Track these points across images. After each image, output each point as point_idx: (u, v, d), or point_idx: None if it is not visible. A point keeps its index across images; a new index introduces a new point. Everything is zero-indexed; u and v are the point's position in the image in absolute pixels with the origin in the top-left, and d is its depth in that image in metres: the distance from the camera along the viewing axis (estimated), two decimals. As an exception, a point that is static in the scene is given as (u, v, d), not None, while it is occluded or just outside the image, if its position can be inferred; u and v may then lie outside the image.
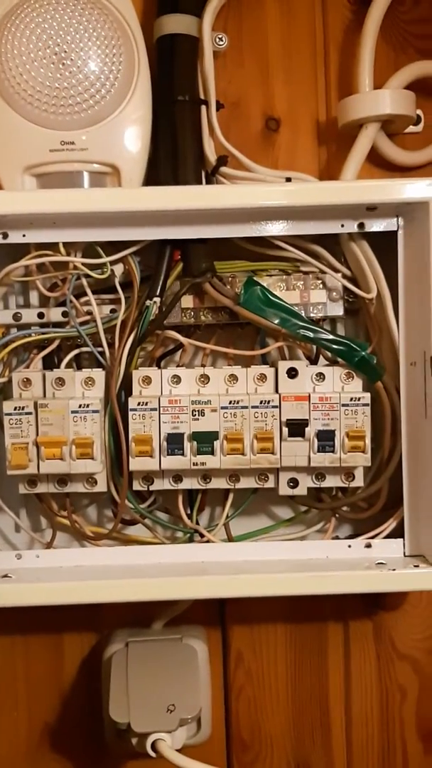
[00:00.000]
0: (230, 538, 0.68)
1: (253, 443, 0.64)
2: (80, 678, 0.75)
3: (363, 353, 0.65)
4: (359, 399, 0.64)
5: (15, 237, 0.63)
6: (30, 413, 0.64)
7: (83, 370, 0.66)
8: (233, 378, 0.66)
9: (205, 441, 0.64)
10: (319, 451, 0.64)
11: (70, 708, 0.75)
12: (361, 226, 0.64)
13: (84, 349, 0.67)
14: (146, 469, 0.65)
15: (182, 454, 0.64)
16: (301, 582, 0.62)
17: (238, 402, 0.64)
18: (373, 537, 0.66)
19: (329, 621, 0.75)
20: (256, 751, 0.76)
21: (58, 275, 0.66)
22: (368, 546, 0.66)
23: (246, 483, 0.67)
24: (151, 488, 0.66)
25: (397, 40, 0.73)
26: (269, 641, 0.75)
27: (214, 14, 0.68)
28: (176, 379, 0.66)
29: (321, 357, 0.67)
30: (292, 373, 0.65)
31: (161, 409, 0.64)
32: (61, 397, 0.65)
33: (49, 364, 0.67)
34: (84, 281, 0.65)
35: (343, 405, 0.64)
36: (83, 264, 0.64)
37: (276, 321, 0.65)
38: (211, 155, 0.67)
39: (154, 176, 0.67)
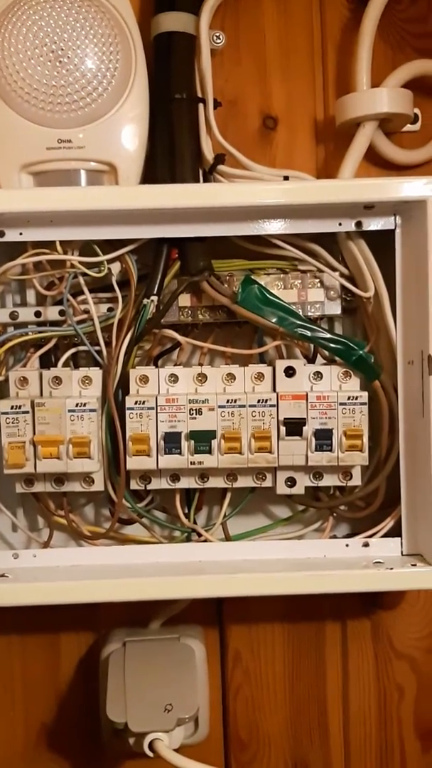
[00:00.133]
0: (228, 538, 0.68)
1: (251, 442, 0.64)
2: (77, 678, 0.74)
3: (360, 352, 0.65)
4: (357, 398, 0.64)
5: (12, 235, 0.63)
6: (27, 412, 0.64)
7: (80, 368, 0.66)
8: (231, 377, 0.66)
9: (202, 440, 0.63)
10: (316, 450, 0.64)
11: (67, 708, 0.75)
12: (358, 224, 0.64)
13: (81, 347, 0.67)
14: (143, 468, 0.65)
15: (179, 453, 0.64)
16: (298, 581, 0.62)
17: (235, 401, 0.64)
18: (370, 536, 0.66)
19: (327, 620, 0.75)
20: (254, 750, 0.76)
21: (55, 274, 0.65)
22: (366, 545, 0.66)
23: (243, 482, 0.66)
24: (149, 487, 0.66)
25: (394, 38, 0.73)
26: (267, 640, 0.75)
27: (212, 12, 0.68)
28: (173, 378, 0.65)
29: (318, 356, 0.67)
30: (290, 372, 0.65)
31: (158, 408, 0.64)
32: (58, 396, 0.65)
33: (46, 362, 0.67)
34: (81, 280, 0.65)
35: (341, 404, 0.64)
36: (80, 262, 0.64)
37: (273, 320, 0.64)
38: (209, 153, 0.67)
39: (151, 174, 0.67)
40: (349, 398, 0.64)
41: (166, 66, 0.67)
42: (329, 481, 0.67)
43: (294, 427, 0.64)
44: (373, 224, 0.64)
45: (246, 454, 0.64)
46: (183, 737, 0.66)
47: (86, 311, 0.66)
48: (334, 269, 0.66)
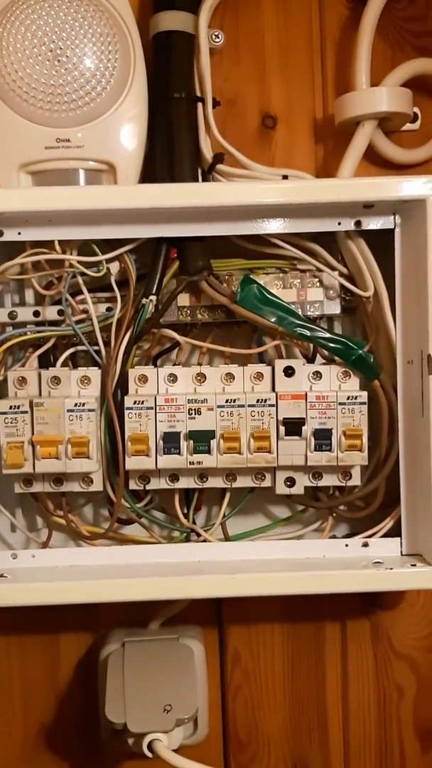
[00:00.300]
0: (227, 538, 0.68)
1: (250, 442, 0.64)
2: (76, 678, 0.74)
3: (360, 351, 0.65)
4: (356, 397, 0.64)
5: (10, 235, 0.63)
6: (26, 412, 0.64)
7: (79, 368, 0.66)
8: (230, 377, 0.66)
9: (201, 440, 0.63)
10: (316, 450, 0.64)
11: (67, 708, 0.75)
12: (358, 223, 0.64)
13: (80, 347, 0.67)
14: (142, 468, 0.65)
15: (179, 453, 0.64)
16: (298, 581, 0.62)
17: (234, 401, 0.64)
18: (370, 536, 0.66)
19: (326, 620, 0.75)
20: (253, 750, 0.76)
21: (54, 273, 0.65)
22: (365, 545, 0.66)
23: (243, 482, 0.66)
24: (148, 487, 0.66)
25: (394, 37, 0.73)
26: (266, 641, 0.75)
27: (211, 11, 0.68)
28: (172, 378, 0.65)
29: (318, 355, 0.67)
30: (289, 371, 0.65)
31: (157, 407, 0.64)
32: (56, 395, 0.65)
33: (45, 362, 0.67)
34: (80, 279, 0.65)
35: (340, 403, 0.64)
36: (79, 262, 0.64)
37: (273, 319, 0.64)
38: (208, 153, 0.67)
39: (150, 174, 0.67)
40: (348, 398, 0.64)
41: (165, 65, 0.67)
42: (328, 481, 0.67)
43: (293, 426, 0.64)
44: (373, 223, 0.64)
45: (245, 454, 0.64)
46: (182, 738, 0.66)
47: (85, 311, 0.65)
48: (333, 269, 0.66)
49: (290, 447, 0.64)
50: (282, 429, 0.64)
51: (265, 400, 0.64)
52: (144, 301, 0.64)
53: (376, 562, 0.63)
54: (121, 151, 0.65)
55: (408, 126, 0.72)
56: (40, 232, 0.63)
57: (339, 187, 0.62)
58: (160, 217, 0.62)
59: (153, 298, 0.65)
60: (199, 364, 0.67)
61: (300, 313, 0.66)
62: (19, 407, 0.64)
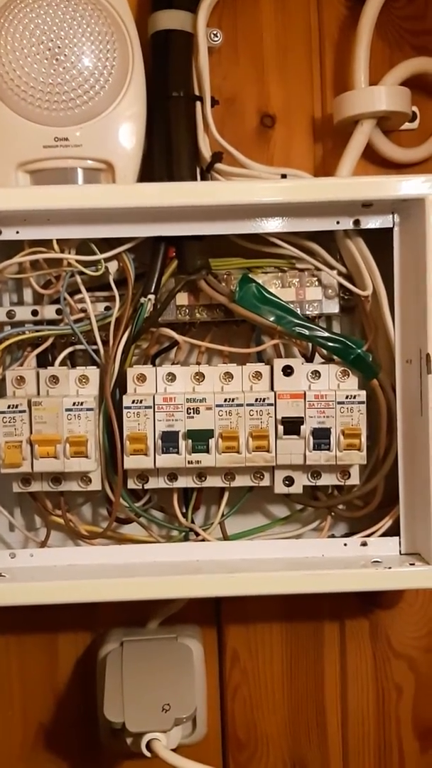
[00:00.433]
0: (225, 537, 0.68)
1: (249, 441, 0.64)
2: (75, 677, 0.74)
3: (359, 351, 0.65)
4: (355, 397, 0.64)
5: (8, 234, 0.62)
6: (24, 411, 0.63)
7: (77, 367, 0.66)
8: (228, 376, 0.66)
9: (200, 439, 0.63)
10: (314, 449, 0.64)
11: (65, 708, 0.75)
12: (356, 222, 0.63)
13: (78, 346, 0.66)
14: (141, 467, 0.65)
15: (177, 453, 0.64)
16: (296, 580, 0.62)
17: (233, 400, 0.64)
18: (368, 535, 0.66)
19: (325, 619, 0.75)
20: (252, 750, 0.76)
21: (52, 272, 0.65)
22: (364, 544, 0.66)
23: (241, 481, 0.66)
24: (146, 487, 0.66)
25: (392, 36, 0.73)
26: (265, 640, 0.75)
27: (209, 10, 0.68)
28: (171, 377, 0.65)
29: (316, 355, 0.67)
30: (288, 370, 0.65)
31: (156, 407, 0.64)
32: (55, 395, 0.65)
33: (43, 361, 0.67)
34: (78, 278, 0.65)
35: (339, 403, 0.64)
36: (77, 261, 0.64)
37: (271, 318, 0.64)
38: (206, 152, 0.67)
39: (148, 173, 0.67)
40: (347, 397, 0.64)
41: (164, 64, 0.67)
42: (327, 480, 0.67)
43: (292, 426, 0.64)
44: (371, 222, 0.64)
45: (244, 453, 0.64)
46: (181, 737, 0.66)
47: (83, 310, 0.65)
48: (332, 267, 0.66)
49: (289, 446, 0.64)
50: (281, 428, 0.64)
51: (264, 399, 0.64)
52: (142, 300, 0.64)
53: (374, 562, 0.63)
54: (120, 150, 0.65)
55: (407, 125, 0.72)
56: (39, 231, 0.63)
57: (338, 186, 0.62)
58: (159, 216, 0.62)
59: (151, 297, 0.65)
60: (198, 363, 0.67)
61: (299, 312, 0.66)
62: (17, 406, 0.63)
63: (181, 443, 0.64)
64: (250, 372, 0.65)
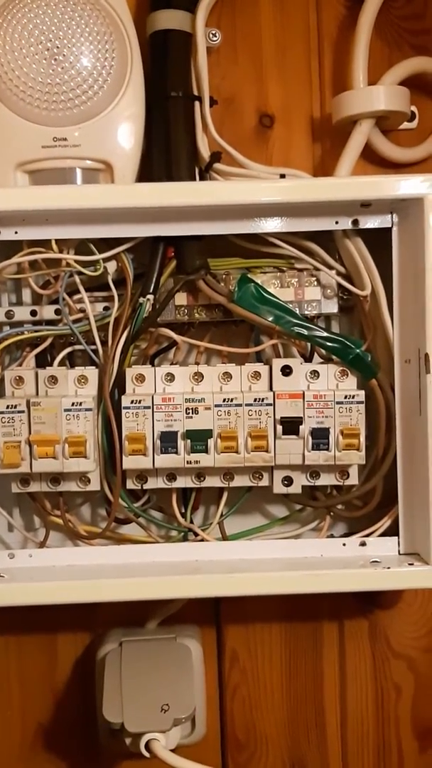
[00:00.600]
0: (224, 537, 0.68)
1: (248, 441, 0.64)
2: (74, 678, 0.74)
3: (357, 351, 0.65)
4: (354, 397, 0.64)
5: (7, 234, 0.62)
6: (22, 411, 0.63)
7: (76, 368, 0.66)
8: (227, 376, 0.66)
9: (199, 439, 0.63)
10: (313, 449, 0.64)
11: (64, 708, 0.75)
12: (355, 222, 0.63)
13: (77, 346, 0.66)
14: (140, 467, 0.64)
15: (176, 453, 0.64)
16: (295, 581, 0.62)
17: (232, 400, 0.64)
18: (367, 535, 0.66)
19: (324, 620, 0.75)
20: (251, 750, 0.76)
21: (51, 272, 0.65)
22: (363, 544, 0.66)
23: (240, 481, 0.66)
24: (145, 487, 0.66)
25: (391, 36, 0.73)
26: (264, 640, 0.75)
27: (208, 10, 0.68)
28: (170, 377, 0.65)
29: (315, 354, 0.67)
30: (287, 370, 0.65)
31: (155, 407, 0.64)
32: (53, 395, 0.65)
33: (42, 362, 0.67)
34: (77, 278, 0.65)
35: (338, 403, 0.64)
36: (76, 261, 0.64)
37: (270, 318, 0.64)
38: (205, 152, 0.67)
39: (147, 173, 0.67)
40: (345, 397, 0.64)
41: (162, 64, 0.67)
42: (326, 480, 0.67)
43: (291, 426, 0.64)
44: (370, 222, 0.64)
45: (243, 453, 0.64)
46: (180, 737, 0.66)
47: (82, 310, 0.65)
48: (330, 267, 0.66)
49: (288, 446, 0.64)
50: (279, 428, 0.64)
51: (263, 399, 0.64)
52: (141, 300, 0.64)
53: (373, 562, 0.63)
54: (118, 150, 0.65)
55: (405, 125, 0.72)
56: (37, 231, 0.63)
57: (336, 185, 0.62)
58: (158, 216, 0.62)
59: (150, 297, 0.65)
60: (197, 363, 0.67)
61: (297, 312, 0.66)
62: (16, 407, 0.63)
63: (180, 443, 0.64)
64: (249, 372, 0.65)
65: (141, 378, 0.65)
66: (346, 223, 0.63)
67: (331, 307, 0.67)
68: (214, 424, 0.64)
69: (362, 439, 0.64)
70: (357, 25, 0.69)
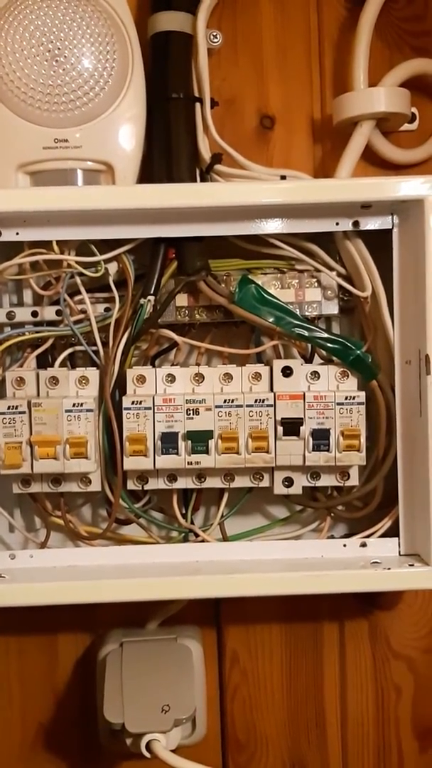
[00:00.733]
0: (225, 538, 0.68)
1: (248, 442, 0.64)
2: (74, 678, 0.74)
3: (358, 352, 0.65)
4: (354, 398, 0.64)
5: (8, 235, 0.62)
6: (23, 412, 0.63)
7: (77, 369, 0.66)
8: (228, 377, 0.66)
9: (199, 440, 0.63)
10: (314, 450, 0.64)
11: (65, 708, 0.75)
12: (355, 224, 0.63)
13: (78, 347, 0.67)
14: (140, 468, 0.65)
15: (177, 454, 0.64)
16: (296, 581, 0.62)
17: (232, 401, 0.64)
18: (368, 536, 0.66)
19: (324, 620, 0.75)
20: (252, 751, 0.76)
21: (52, 273, 0.65)
22: (363, 545, 0.66)
23: (241, 482, 0.66)
24: (146, 488, 0.66)
25: (391, 37, 0.73)
26: (264, 641, 0.75)
27: (209, 11, 0.68)
28: (171, 378, 0.65)
29: (316, 356, 0.67)
30: (287, 371, 0.65)
31: (155, 408, 0.64)
32: (54, 396, 0.65)
33: (43, 362, 0.67)
34: (78, 279, 0.65)
35: (338, 404, 0.64)
36: (77, 262, 0.64)
37: (271, 319, 0.64)
38: (206, 153, 0.67)
39: (148, 174, 0.67)
40: (346, 398, 0.64)
41: (163, 65, 0.67)
42: (327, 481, 0.67)
43: (291, 427, 0.64)
44: (371, 224, 0.64)
45: (243, 454, 0.64)
46: (180, 738, 0.66)
47: (83, 311, 0.65)
48: (331, 269, 0.66)
49: (288, 447, 0.64)
50: (280, 429, 0.64)
51: (263, 400, 0.64)
52: (142, 301, 0.64)
53: (374, 562, 0.63)
54: (119, 151, 0.65)
55: (406, 126, 0.72)
56: (38, 232, 0.63)
57: (337, 187, 0.62)
58: (159, 217, 0.62)
59: (151, 298, 0.65)
60: (197, 364, 0.67)
61: (298, 313, 0.66)
62: (17, 407, 0.63)
63: (181, 444, 0.64)
64: (250, 373, 0.65)
65: (142, 379, 0.65)
66: (346, 225, 0.64)
67: (332, 308, 0.67)
68: (214, 425, 0.64)
69: (363, 440, 0.64)
70: (358, 26, 0.69)
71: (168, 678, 0.66)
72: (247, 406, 0.64)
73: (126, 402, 0.64)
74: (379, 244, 0.64)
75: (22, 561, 0.65)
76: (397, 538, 0.65)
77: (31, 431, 0.64)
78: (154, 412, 0.64)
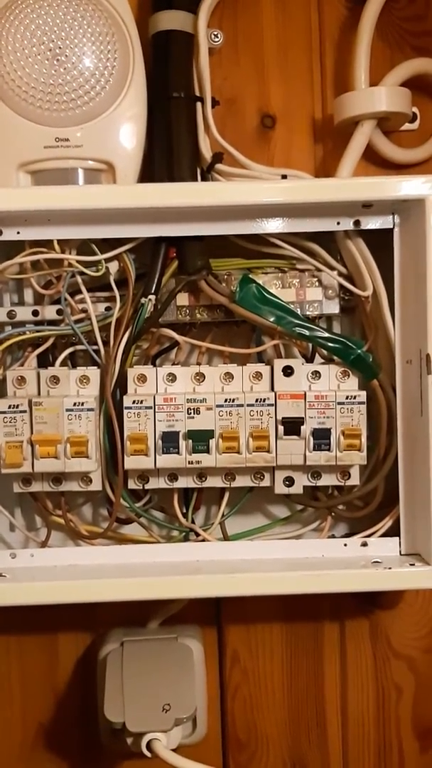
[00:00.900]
0: (226, 537, 0.68)
1: (249, 441, 0.64)
2: (75, 678, 0.74)
3: (359, 351, 0.65)
4: (355, 397, 0.64)
5: (9, 234, 0.62)
6: (24, 411, 0.63)
7: (78, 368, 0.66)
8: (229, 376, 0.66)
9: (200, 439, 0.63)
10: (314, 450, 0.64)
11: (65, 708, 0.75)
12: (356, 223, 0.64)
13: (79, 347, 0.67)
14: (141, 467, 0.65)
15: (177, 453, 0.64)
16: (296, 581, 0.62)
17: (233, 400, 0.64)
18: (369, 536, 0.66)
19: (325, 620, 0.75)
20: (252, 750, 0.76)
21: (53, 273, 0.65)
22: (364, 545, 0.66)
23: (241, 481, 0.66)
24: (147, 487, 0.66)
25: (392, 37, 0.73)
26: (265, 640, 0.75)
27: (210, 11, 0.68)
28: (171, 377, 0.65)
29: (317, 355, 0.67)
30: (288, 371, 0.65)
31: (156, 407, 0.64)
32: (55, 395, 0.65)
33: (44, 362, 0.67)
34: (79, 279, 0.65)
35: (339, 403, 0.64)
36: (78, 261, 0.64)
37: (272, 319, 0.64)
38: (207, 152, 0.67)
39: (149, 173, 0.67)
40: (347, 397, 0.64)
41: (164, 64, 0.67)
42: (327, 480, 0.67)
43: (292, 426, 0.64)
44: (372, 223, 0.64)
45: (244, 454, 0.64)
46: (181, 737, 0.66)
47: (84, 310, 0.65)
48: (332, 268, 0.66)
49: (289, 446, 0.64)
50: (281, 428, 0.64)
51: (264, 400, 0.64)
52: (143, 300, 0.64)
53: (374, 562, 0.63)
54: (120, 150, 0.65)
55: (407, 126, 0.72)
56: (39, 231, 0.63)
57: (338, 186, 0.62)
58: (159, 216, 0.62)
59: (152, 297, 0.65)
60: (198, 363, 0.67)
61: (299, 312, 0.66)
62: (18, 406, 0.63)
63: (182, 443, 0.64)
64: (251, 372, 0.65)
65: (143, 378, 0.65)
66: (347, 224, 0.64)
67: (333, 307, 0.67)
68: (215, 425, 0.64)
69: (363, 439, 0.64)
70: (359, 26, 0.69)
71: (169, 677, 0.66)
72: (248, 405, 0.64)
73: (127, 401, 0.64)
74: (380, 243, 0.64)
75: (23, 560, 0.65)
76: (397, 538, 0.65)
77: (31, 430, 0.64)
78: (154, 412, 0.64)
